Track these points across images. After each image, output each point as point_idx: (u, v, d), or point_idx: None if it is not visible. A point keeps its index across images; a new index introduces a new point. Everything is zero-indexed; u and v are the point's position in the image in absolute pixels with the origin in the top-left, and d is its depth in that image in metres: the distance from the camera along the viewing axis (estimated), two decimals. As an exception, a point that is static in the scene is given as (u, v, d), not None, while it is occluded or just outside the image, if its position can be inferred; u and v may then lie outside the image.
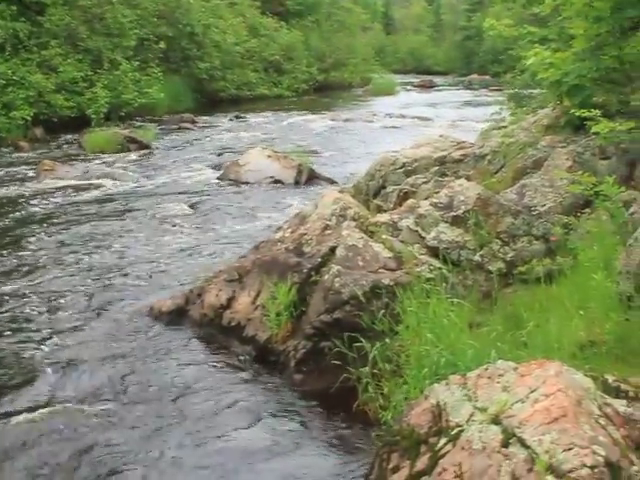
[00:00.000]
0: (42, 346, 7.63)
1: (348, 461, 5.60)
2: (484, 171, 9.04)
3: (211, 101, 36.10)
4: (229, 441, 5.90)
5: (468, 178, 8.53)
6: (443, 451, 4.22)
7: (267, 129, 26.62)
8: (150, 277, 9.78)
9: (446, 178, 8.80)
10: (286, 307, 7.03)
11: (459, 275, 6.95)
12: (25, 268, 10.27)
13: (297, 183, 15.85)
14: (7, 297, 9.08)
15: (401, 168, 9.57)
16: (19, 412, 6.29)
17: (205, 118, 30.14)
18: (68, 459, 5.64)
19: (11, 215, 13.66)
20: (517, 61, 13.63)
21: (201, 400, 6.52)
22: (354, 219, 7.80)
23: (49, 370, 7.09)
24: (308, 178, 16.05)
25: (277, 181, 15.96)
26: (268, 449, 5.78)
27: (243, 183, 16.04)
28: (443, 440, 4.27)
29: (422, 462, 4.33)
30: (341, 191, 9.42)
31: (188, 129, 27.04)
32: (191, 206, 14.02)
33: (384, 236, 7.35)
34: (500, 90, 30.06)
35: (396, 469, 4.55)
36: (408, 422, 4.68)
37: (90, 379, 6.93)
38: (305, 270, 7.19)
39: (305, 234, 7.73)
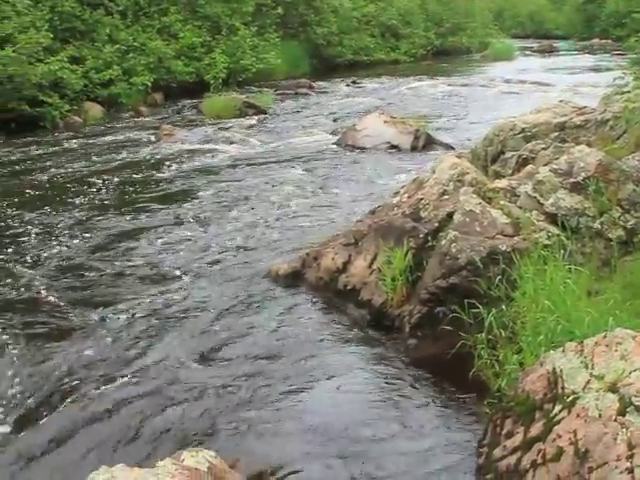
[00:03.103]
0: (163, 307, 7.85)
1: (462, 426, 5.61)
2: (605, 137, 8.85)
3: (328, 66, 36.06)
4: (342, 404, 5.98)
5: (589, 144, 8.36)
6: (558, 418, 4.20)
7: (384, 94, 26.50)
8: (268, 240, 9.91)
9: (566, 144, 8.63)
10: (402, 272, 7.06)
11: (577, 242, 6.84)
12: (145, 231, 10.53)
13: (414, 148, 15.75)
14: (127, 259, 9.37)
15: (520, 134, 9.45)
16: (142, 370, 6.51)
17: (322, 83, 30.19)
18: (193, 409, 5.85)
19: (132, 179, 13.98)
20: (641, 24, 13.22)
21: (315, 362, 6.61)
22: (472, 185, 7.74)
23: (170, 330, 7.29)
24: (425, 143, 15.94)
25: (394, 146, 15.89)
26: (381, 413, 5.84)
27: (360, 148, 16.04)
28: (558, 407, 4.26)
29: (536, 428, 4.33)
30: (459, 156, 9.35)
31: (305, 94, 27.12)
32: (308, 171, 14.11)
33: (502, 202, 7.28)
34: (623, 55, 29.28)
35: (510, 434, 4.56)
36: (523, 388, 4.68)
37: (209, 338, 7.11)
38: (422, 235, 7.20)
39: (422, 199, 7.72)
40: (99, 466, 3.71)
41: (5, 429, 5.72)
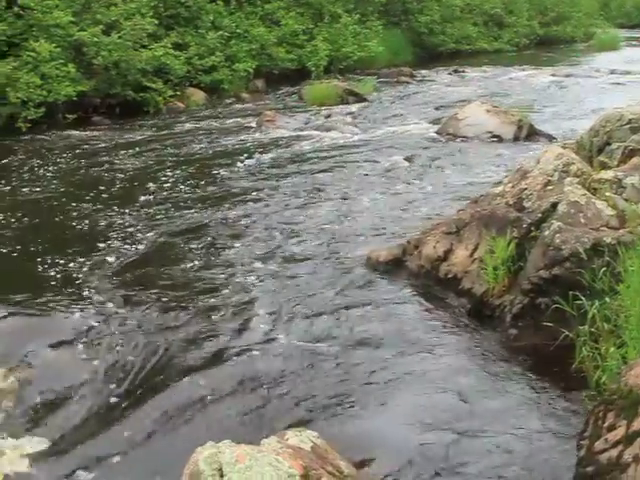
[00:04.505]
0: (258, 291, 7.98)
1: (562, 417, 5.57)
2: None
3: (430, 55, 35.84)
4: (440, 392, 5.97)
5: (698, 135, 8.19)
6: (663, 412, 4.16)
7: (486, 84, 26.24)
8: (366, 227, 9.93)
9: (675, 136, 8.45)
10: (504, 261, 7.01)
11: (686, 236, 6.71)
12: (247, 216, 10.70)
13: (516, 139, 15.54)
14: (229, 243, 9.51)
15: (627, 124, 9.23)
16: (236, 354, 6.63)
17: (423, 72, 30.02)
18: (295, 392, 5.96)
19: (233, 164, 14.15)
20: None
21: (415, 350, 6.62)
22: (577, 175, 7.65)
23: (269, 316, 7.39)
24: (528, 134, 15.71)
25: (496, 136, 15.70)
26: (479, 402, 5.83)
27: (461, 137, 15.90)
28: (664, 402, 4.21)
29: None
30: (564, 147, 9.25)
31: (406, 83, 26.99)
32: (408, 159, 14.05)
33: (607, 194, 7.17)
34: None
35: (611, 428, 4.51)
36: (626, 382, 4.62)
37: (308, 323, 7.19)
38: (525, 225, 7.14)
39: (526, 189, 7.65)
40: (206, 441, 3.82)
41: (118, 404, 5.95)
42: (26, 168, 14.23)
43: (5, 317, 7.26)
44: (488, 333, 6.87)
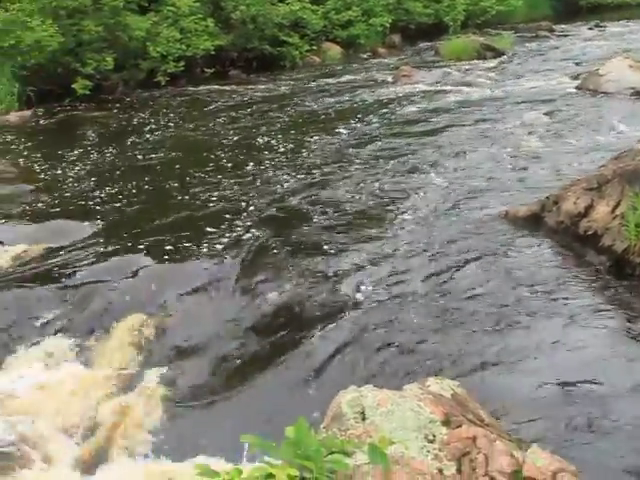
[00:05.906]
0: (394, 244, 8.02)
1: None
2: None
3: (569, 9, 35.04)
4: (579, 349, 5.89)
5: None
6: None
7: (628, 39, 25.36)
8: (506, 183, 9.83)
9: None
10: (646, 219, 6.87)
11: None
12: (381, 172, 10.75)
13: (660, 95, 15.11)
14: (363, 199, 9.64)
15: None
16: (376, 306, 6.70)
17: (563, 27, 29.40)
18: (424, 348, 5.99)
19: (371, 118, 14.20)
20: None
21: (552, 305, 6.53)
22: None
23: (403, 268, 7.44)
24: (673, 90, 15.25)
25: (639, 92, 15.28)
26: (619, 360, 5.72)
27: (602, 93, 15.45)
28: None
29: None
30: None
31: (545, 37, 26.50)
32: (547, 114, 13.75)
33: None
34: None
35: None
36: None
37: (442, 277, 7.18)
38: (669, 182, 6.97)
39: (672, 145, 7.46)
40: (348, 385, 3.89)
41: (256, 349, 6.15)
42: (156, 124, 14.68)
43: (143, 268, 7.53)
44: (628, 291, 6.72)
